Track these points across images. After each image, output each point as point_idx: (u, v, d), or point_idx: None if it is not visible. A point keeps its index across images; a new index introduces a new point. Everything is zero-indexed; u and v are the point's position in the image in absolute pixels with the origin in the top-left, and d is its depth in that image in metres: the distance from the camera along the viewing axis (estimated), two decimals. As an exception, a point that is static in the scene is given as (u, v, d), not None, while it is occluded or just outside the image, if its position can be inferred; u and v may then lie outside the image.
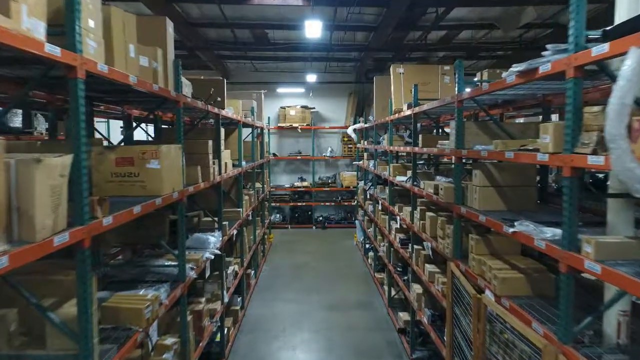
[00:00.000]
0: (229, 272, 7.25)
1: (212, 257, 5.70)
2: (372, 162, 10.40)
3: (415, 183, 6.42)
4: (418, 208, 6.26)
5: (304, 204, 15.32)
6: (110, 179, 4.09)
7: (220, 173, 6.43)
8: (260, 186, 11.42)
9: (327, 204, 15.42)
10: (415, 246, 6.50)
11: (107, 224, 2.95)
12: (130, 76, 3.32)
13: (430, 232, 5.72)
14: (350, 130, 12.79)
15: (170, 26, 4.47)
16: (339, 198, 15.34)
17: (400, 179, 7.28)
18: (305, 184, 15.32)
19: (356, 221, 13.26)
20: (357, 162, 12.85)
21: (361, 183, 11.88)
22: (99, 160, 4.08)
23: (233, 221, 7.72)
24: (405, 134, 9.98)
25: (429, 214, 5.84)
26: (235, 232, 7.39)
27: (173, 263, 4.89)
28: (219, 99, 5.79)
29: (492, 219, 3.78)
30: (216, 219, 6.57)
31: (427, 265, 5.91)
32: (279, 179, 15.85)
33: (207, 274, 5.66)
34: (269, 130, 13.52)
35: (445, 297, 4.92)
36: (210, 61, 13.42)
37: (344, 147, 15.44)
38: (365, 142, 11.53)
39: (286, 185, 15.48)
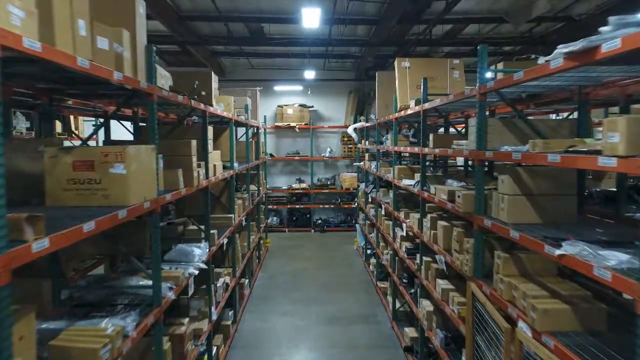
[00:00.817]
0: (218, 285, 6.53)
1: (197, 272, 4.98)
2: (374, 164, 9.69)
3: (424, 188, 5.71)
4: (428, 216, 5.55)
5: (302, 206, 14.61)
6: (66, 187, 3.38)
7: (207, 177, 5.71)
8: (256, 189, 10.70)
9: (326, 206, 14.71)
10: (425, 258, 5.78)
11: (40, 249, 2.23)
12: (77, 59, 2.60)
13: (443, 244, 5.00)
14: (350, 130, 12.08)
15: (141, 5, 3.76)
16: (339, 200, 14.63)
17: (406, 182, 6.57)
18: (303, 185, 14.61)
19: (357, 225, 12.55)
20: (358, 163, 12.14)
21: (362, 185, 11.18)
22: (52, 164, 3.36)
23: (224, 228, 7.02)
24: (409, 133, 9.28)
25: (441, 223, 5.12)
26: (225, 240, 6.67)
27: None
28: (203, 93, 5.07)
29: (528, 236, 3.06)
30: (203, 227, 5.85)
31: (439, 281, 5.20)
32: (276, 180, 15.13)
33: (191, 291, 4.94)
34: (265, 129, 12.81)
35: (464, 321, 4.21)
36: (204, 58, 12.70)
37: (343, 148, 14.73)
38: (367, 142, 10.81)
39: (284, 187, 14.76)
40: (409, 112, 6.44)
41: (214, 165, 6.23)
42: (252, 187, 10.77)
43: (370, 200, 10.39)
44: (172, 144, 4.86)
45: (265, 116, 13.09)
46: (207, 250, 5.59)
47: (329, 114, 15.06)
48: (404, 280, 7.09)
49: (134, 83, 3.46)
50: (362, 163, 11.69)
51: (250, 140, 10.65)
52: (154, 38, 11.22)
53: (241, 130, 9.88)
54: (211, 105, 5.73)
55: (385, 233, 8.38)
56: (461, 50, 12.13)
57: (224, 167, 7.52)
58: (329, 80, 14.62)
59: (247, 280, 8.90)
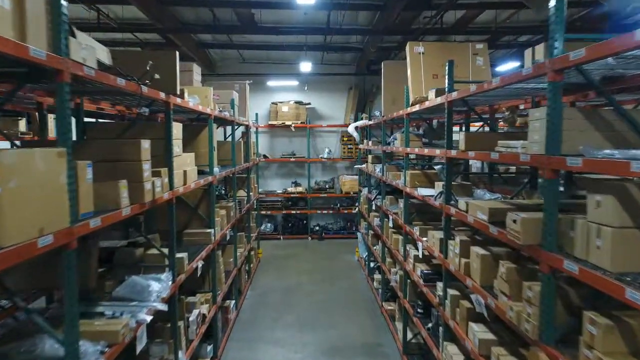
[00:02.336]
0: (191, 318, 5.19)
1: (150, 317, 3.64)
2: (378, 167, 8.35)
3: (451, 202, 4.37)
4: (457, 238, 4.21)
5: (298, 211, 13.26)
6: None
7: (172, 187, 4.37)
8: (246, 194, 9.36)
9: (325, 211, 13.36)
10: (451, 291, 4.45)
11: None
12: None
13: (480, 278, 3.67)
14: (351, 129, 10.73)
15: None
16: (338, 205, 13.28)
17: (424, 192, 5.22)
18: (299, 189, 13.26)
19: (358, 233, 11.21)
20: (359, 166, 10.80)
21: (364, 190, 9.84)
22: None
23: (201, 246, 5.69)
24: (420, 131, 7.94)
25: (477, 250, 3.79)
26: (200, 264, 5.33)
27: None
28: (157, 76, 3.73)
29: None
30: (167, 251, 4.50)
31: (473, 326, 3.87)
32: (269, 183, 13.78)
33: (140, 346, 3.59)
34: (257, 128, 11.44)
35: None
36: (190, 50, 11.36)
37: (343, 148, 13.38)
38: (370, 143, 9.47)
39: (278, 191, 13.41)
40: (427, 105, 5.10)
41: (184, 172, 4.89)
42: (241, 193, 9.44)
43: (374, 208, 9.05)
44: (111, 146, 3.53)
45: (257, 114, 11.73)
46: (171, 282, 4.25)
47: (327, 112, 13.72)
48: (419, 310, 5.76)
49: (17, 50, 2.12)
50: (364, 165, 10.35)
51: (239, 140, 9.32)
52: (132, 26, 9.88)
53: (232, 130, 8.52)
54: (176, 94, 4.38)
55: (393, 249, 7.04)
56: (471, 39, 10.80)
57: (202, 173, 6.19)
58: (328, 75, 13.28)
59: (233, 302, 7.55)
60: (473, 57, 6.15)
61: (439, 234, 4.82)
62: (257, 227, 11.08)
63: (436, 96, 4.79)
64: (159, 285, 4.01)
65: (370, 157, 9.39)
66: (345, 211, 13.24)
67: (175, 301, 4.44)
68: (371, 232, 9.41)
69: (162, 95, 4.05)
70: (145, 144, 3.62)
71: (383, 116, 7.83)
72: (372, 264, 9.56)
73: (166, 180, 4.22)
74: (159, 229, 6.17)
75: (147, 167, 3.61)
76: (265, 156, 13.22)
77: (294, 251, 11.97)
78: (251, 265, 9.82)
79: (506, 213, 3.22)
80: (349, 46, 11.98)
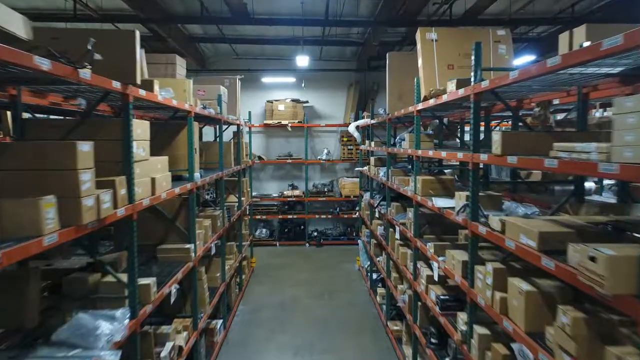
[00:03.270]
0: (163, 354, 4.28)
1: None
2: (382, 171, 7.44)
3: (480, 219, 3.47)
4: (489, 265, 3.30)
5: (295, 216, 12.34)
6: None
7: (132, 199, 3.46)
8: (237, 200, 8.46)
9: (323, 216, 12.44)
10: (479, 329, 3.55)
11: None
12: None
13: (525, 323, 2.77)
14: (352, 128, 9.82)
15: None
16: (337, 209, 12.37)
17: (441, 203, 4.32)
18: (296, 192, 12.35)
19: (359, 241, 10.31)
20: (360, 168, 9.89)
21: (366, 195, 8.93)
22: None
23: (178, 264, 4.81)
24: (430, 131, 7.08)
25: (519, 284, 2.88)
26: (173, 289, 4.42)
27: None
28: (98, 57, 2.82)
29: None
30: (127, 278, 3.60)
31: (512, 381, 2.97)
32: (265, 186, 12.86)
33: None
34: (250, 128, 10.54)
35: None
36: (180, 44, 10.47)
37: (343, 149, 12.47)
38: (372, 143, 8.56)
39: (274, 195, 12.49)
40: (446, 99, 4.19)
41: (153, 180, 3.98)
42: (231, 200, 8.55)
43: (377, 215, 8.14)
44: (39, 150, 2.62)
45: (250, 112, 10.83)
46: (128, 319, 3.34)
47: (326, 111, 12.81)
48: (432, 340, 4.85)
49: None
50: (365, 168, 9.44)
51: (231, 140, 8.42)
52: (114, 17, 8.96)
53: (220, 129, 7.61)
54: (136, 83, 3.47)
55: (400, 264, 6.13)
56: (483, 33, 9.89)
57: (180, 179, 5.30)
58: (326, 71, 12.37)
59: (220, 322, 6.65)
60: (494, 45, 5.25)
61: (461, 255, 3.92)
62: (250, 234, 10.18)
63: (457, 87, 3.88)
64: (110, 327, 3.11)
65: (372, 159, 8.48)
66: (345, 216, 12.33)
67: (136, 341, 3.54)
68: (374, 241, 8.50)
69: (117, 84, 3.14)
70: (84, 147, 2.71)
71: (388, 114, 6.92)
72: (374, 276, 8.66)
73: (123, 191, 3.32)
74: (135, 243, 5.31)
75: (86, 177, 2.70)
76: (260, 158, 12.31)
77: (291, 259, 11.05)
78: (243, 277, 8.91)
79: (565, 241, 2.33)
80: (349, 40, 11.08)
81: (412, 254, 5.53)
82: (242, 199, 8.84)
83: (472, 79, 3.55)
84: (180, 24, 9.46)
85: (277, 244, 12.21)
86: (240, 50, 11.92)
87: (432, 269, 4.81)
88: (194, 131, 5.41)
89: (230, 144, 7.84)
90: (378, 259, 8.06)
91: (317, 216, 12.42)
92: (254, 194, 12.29)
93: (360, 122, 9.57)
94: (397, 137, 6.61)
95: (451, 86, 4.05)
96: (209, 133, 10.71)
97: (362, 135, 9.86)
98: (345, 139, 12.37)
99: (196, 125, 5.52)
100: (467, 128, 7.75)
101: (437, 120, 6.97)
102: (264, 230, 12.35)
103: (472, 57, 3.56)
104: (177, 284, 4.50)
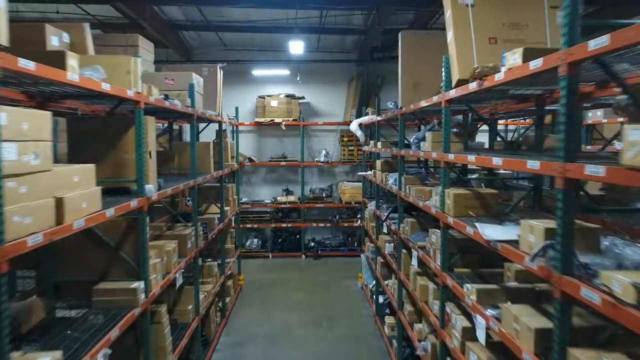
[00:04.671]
0: None
1: None
2: (392, 177, 6.01)
3: (579, 271, 2.03)
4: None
5: (290, 225, 10.89)
6: None
7: (-2, 240, 2.01)
8: (219, 211, 7.02)
9: (321, 224, 11.00)
10: None
11: None
12: None
13: None
14: (354, 127, 8.38)
15: None
16: (337, 217, 10.92)
17: (495, 234, 2.87)
18: (291, 198, 10.90)
19: (362, 256, 8.87)
20: (363, 173, 8.44)
21: (371, 205, 7.48)
22: None
23: (118, 312, 3.39)
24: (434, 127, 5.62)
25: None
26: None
27: None
28: None
29: None
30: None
31: None
32: (257, 191, 11.41)
33: None
34: (237, 127, 9.08)
35: None
36: (160, 32, 9.05)
37: (343, 150, 11.02)
38: (379, 144, 7.11)
39: (266, 201, 11.04)
40: (500, 79, 2.75)
41: (59, 201, 2.55)
42: (211, 212, 7.12)
43: (386, 230, 6.71)
44: None
45: (237, 108, 9.37)
46: None
47: (324, 107, 11.35)
48: (472, 419, 3.42)
49: None
50: (370, 173, 8.01)
51: (214, 141, 6.99)
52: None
53: (193, 127, 6.15)
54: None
55: (418, 298, 4.69)
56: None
57: (126, 193, 3.86)
58: (325, 63, 10.91)
59: (192, 366, 5.22)
60: (551, 13, 3.82)
61: (532, 318, 2.48)
62: (237, 248, 8.74)
63: (525, 60, 2.45)
64: None
65: (379, 162, 7.04)
66: (346, 224, 10.89)
67: None
68: (380, 259, 7.07)
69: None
70: None
71: (400, 107, 5.48)
72: (381, 299, 7.23)
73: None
74: (66, 280, 3.91)
75: None
76: (250, 159, 10.86)
77: (284, 274, 9.61)
78: (227, 300, 7.47)
79: None
80: (350, 27, 9.65)
81: (438, 291, 4.10)
82: (226, 208, 7.40)
83: (564, 41, 2.11)
84: (156, 4, 7.97)
85: (270, 256, 10.76)
86: (228, 40, 10.48)
87: (471, 320, 3.38)
88: (148, 129, 3.97)
89: (208, 145, 6.40)
90: (386, 282, 6.63)
91: (314, 224, 10.98)
92: (244, 199, 10.86)
93: (364, 119, 8.13)
94: (413, 137, 5.17)
95: (514, 59, 2.61)
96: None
97: (365, 134, 8.43)
98: (345, 139, 10.93)
99: (151, 121, 4.08)
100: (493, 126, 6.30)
101: (461, 116, 5.56)
102: (255, 240, 10.91)
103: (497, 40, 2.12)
104: (108, 347, 3.06)
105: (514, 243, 2.70)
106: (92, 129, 3.90)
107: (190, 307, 5.34)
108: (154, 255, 4.25)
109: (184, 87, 5.44)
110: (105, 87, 3.08)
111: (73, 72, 2.79)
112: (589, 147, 6.40)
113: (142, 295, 3.70)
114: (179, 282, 4.80)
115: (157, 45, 10.00)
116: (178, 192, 4.85)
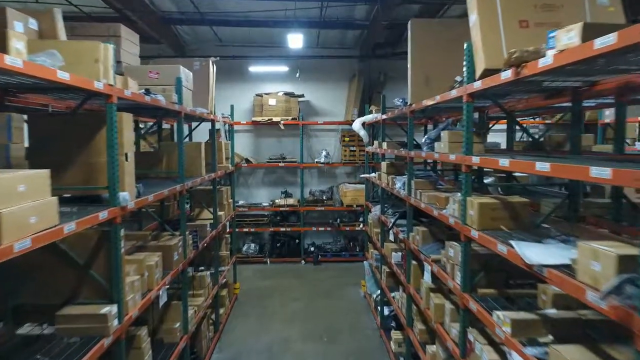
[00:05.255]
0: None
1: None
2: (400, 181, 5.46)
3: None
4: None
5: (289, 229, 10.33)
6: None
7: None
8: (211, 217, 6.47)
9: (321, 228, 10.44)
10: None
11: None
12: None
13: None
14: (357, 126, 7.81)
15: None
16: (338, 221, 10.36)
17: (535, 256, 2.29)
18: (290, 201, 10.34)
19: (365, 263, 8.32)
20: (366, 175, 7.87)
21: (375, 209, 6.92)
22: None
23: (86, 342, 2.84)
24: (454, 127, 5.06)
25: None
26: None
27: None
28: None
29: None
30: None
31: None
32: (254, 194, 10.85)
33: None
34: (232, 126, 8.52)
35: None
36: (152, 27, 8.52)
37: (344, 150, 10.46)
38: (384, 145, 6.55)
39: (264, 204, 10.48)
40: (545, 64, 2.20)
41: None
42: (204, 218, 6.57)
43: (392, 237, 6.15)
44: None
45: (232, 105, 8.79)
46: None
47: (324, 106, 10.79)
48: None
49: None
50: (373, 175, 7.46)
51: (207, 141, 6.43)
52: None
53: (180, 125, 5.58)
54: None
55: (432, 319, 4.14)
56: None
57: (96, 201, 3.31)
58: (325, 59, 10.35)
59: (179, 392, 4.66)
60: (591, -8, 3.27)
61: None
62: (232, 255, 8.18)
63: (585, 39, 1.89)
64: None
65: (384, 164, 6.49)
66: (347, 228, 10.33)
67: None
68: (386, 269, 6.52)
69: None
70: None
71: (410, 104, 4.93)
72: (386, 311, 6.69)
73: None
74: (27, 303, 3.37)
75: None
76: (247, 160, 10.30)
77: (283, 281, 9.06)
78: (221, 312, 6.91)
79: None
80: (351, 22, 9.09)
81: (456, 312, 3.55)
82: (220, 213, 6.85)
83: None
84: (143, -5, 7.41)
85: (268, 261, 10.20)
86: (224, 35, 9.91)
87: (498, 350, 2.82)
88: (124, 127, 3.41)
89: (199, 146, 5.85)
90: (393, 294, 6.08)
91: (314, 228, 10.42)
92: (241, 202, 10.31)
93: (368, 117, 7.56)
94: (425, 137, 4.61)
95: (567, 38, 2.05)
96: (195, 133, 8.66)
97: (368, 133, 7.87)
98: (347, 139, 10.37)
99: (127, 119, 3.51)
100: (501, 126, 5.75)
101: (477, 114, 5.01)
102: (252, 245, 10.34)
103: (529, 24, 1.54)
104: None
105: (565, 268, 2.14)
106: (58, 128, 3.34)
107: (177, 325, 4.79)
108: (133, 271, 3.70)
109: (171, 82, 4.88)
110: (63, 76, 2.52)
111: (18, 56, 2.23)
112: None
113: (115, 322, 3.14)
114: (163, 299, 4.24)
115: (149, 41, 9.52)
116: (162, 199, 4.29)
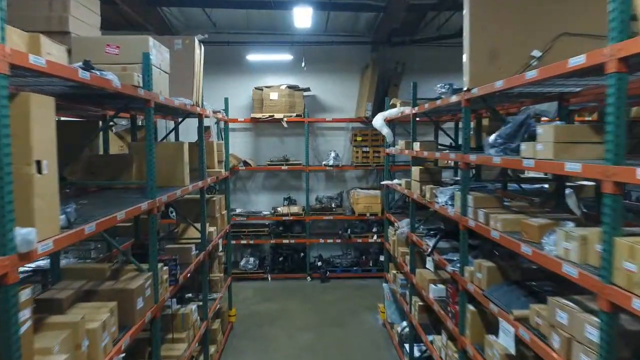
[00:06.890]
0: None
1: None
2: (446, 194, 4.04)
3: None
4: None
5: (292, 240, 8.92)
6: None
7: None
8: (199, 236, 5.05)
9: (329, 240, 9.02)
10: None
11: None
12: None
13: None
14: (378, 122, 6.35)
15: None
16: (348, 231, 8.93)
17: None
18: (294, 209, 8.92)
19: (385, 286, 6.88)
20: (389, 182, 6.42)
21: (403, 224, 5.46)
22: None
23: None
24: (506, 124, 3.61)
25: None
26: None
27: None
28: None
29: None
30: None
31: None
32: (253, 201, 9.43)
33: None
34: (227, 123, 7.06)
35: None
36: (137, 9, 7.23)
37: (355, 151, 9.01)
38: (417, 145, 5.11)
39: (265, 212, 9.04)
40: None
41: None
42: (192, 234, 5.16)
43: (432, 267, 4.72)
44: None
45: (226, 98, 7.31)
46: None
47: (333, 100, 9.37)
48: None
49: None
50: (397, 182, 6.04)
51: (183, 143, 4.98)
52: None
53: (149, 118, 4.15)
54: None
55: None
56: None
57: None
58: (334, 45, 8.92)
59: None
60: None
61: None
62: (228, 275, 6.76)
63: None
64: None
65: (416, 170, 5.06)
66: (359, 240, 8.92)
67: None
68: (417, 300, 5.10)
69: None
70: None
71: (466, 89, 3.50)
72: (417, 351, 5.29)
73: None
74: None
75: None
76: (245, 163, 8.87)
77: (286, 304, 7.63)
78: (212, 352, 5.49)
79: None
80: (365, 3, 7.68)
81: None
82: (211, 229, 5.45)
83: None
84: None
85: (269, 278, 8.78)
86: (219, 19, 8.50)
87: None
88: (31, 118, 1.99)
89: (181, 147, 4.42)
90: (430, 337, 4.66)
91: (321, 240, 9.00)
92: (238, 210, 8.91)
93: (392, 111, 6.10)
94: (494, 136, 3.18)
95: None
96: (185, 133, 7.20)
97: (391, 132, 6.44)
98: (358, 139, 8.95)
99: (40, 104, 2.09)
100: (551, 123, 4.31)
101: (556, 102, 3.61)
102: (250, 259, 8.91)
103: None
104: None
105: None
106: None
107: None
108: (59, 345, 2.29)
109: (137, 60, 3.46)
110: None
111: None
112: None
113: None
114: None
115: (135, 27, 8.09)
116: (112, 226, 2.86)
